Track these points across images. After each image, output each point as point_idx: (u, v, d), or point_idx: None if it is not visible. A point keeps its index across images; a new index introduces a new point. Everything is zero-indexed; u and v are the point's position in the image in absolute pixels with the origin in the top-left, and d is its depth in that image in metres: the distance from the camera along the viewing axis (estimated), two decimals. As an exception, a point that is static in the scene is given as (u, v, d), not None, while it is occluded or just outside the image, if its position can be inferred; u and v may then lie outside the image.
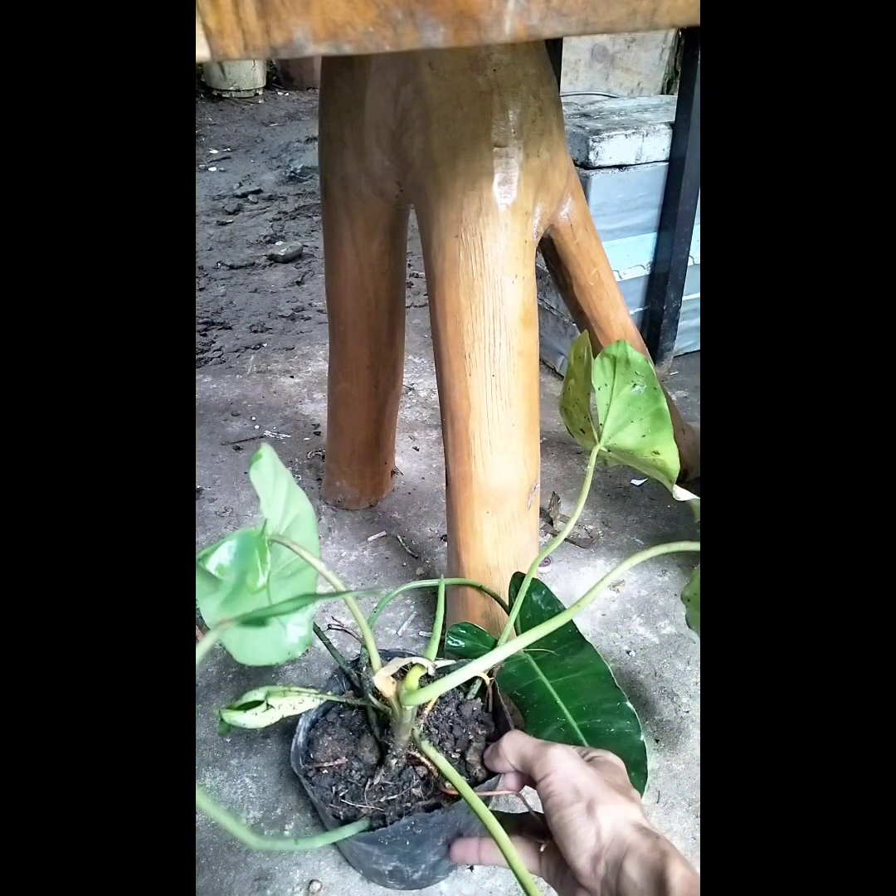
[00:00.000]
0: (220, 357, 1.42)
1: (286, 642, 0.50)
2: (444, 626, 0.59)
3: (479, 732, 0.55)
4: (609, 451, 0.61)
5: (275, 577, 0.49)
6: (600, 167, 1.12)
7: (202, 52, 0.23)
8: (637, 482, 1.06)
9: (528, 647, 0.56)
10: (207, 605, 0.45)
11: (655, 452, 0.59)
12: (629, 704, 0.55)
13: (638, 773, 0.60)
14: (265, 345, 1.46)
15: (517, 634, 0.59)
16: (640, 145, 1.12)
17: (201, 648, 0.31)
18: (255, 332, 1.52)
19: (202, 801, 0.30)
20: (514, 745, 0.44)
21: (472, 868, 0.59)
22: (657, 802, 0.65)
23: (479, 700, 0.58)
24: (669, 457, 0.59)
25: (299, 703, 0.52)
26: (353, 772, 0.52)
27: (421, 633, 0.83)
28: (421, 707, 0.52)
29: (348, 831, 0.47)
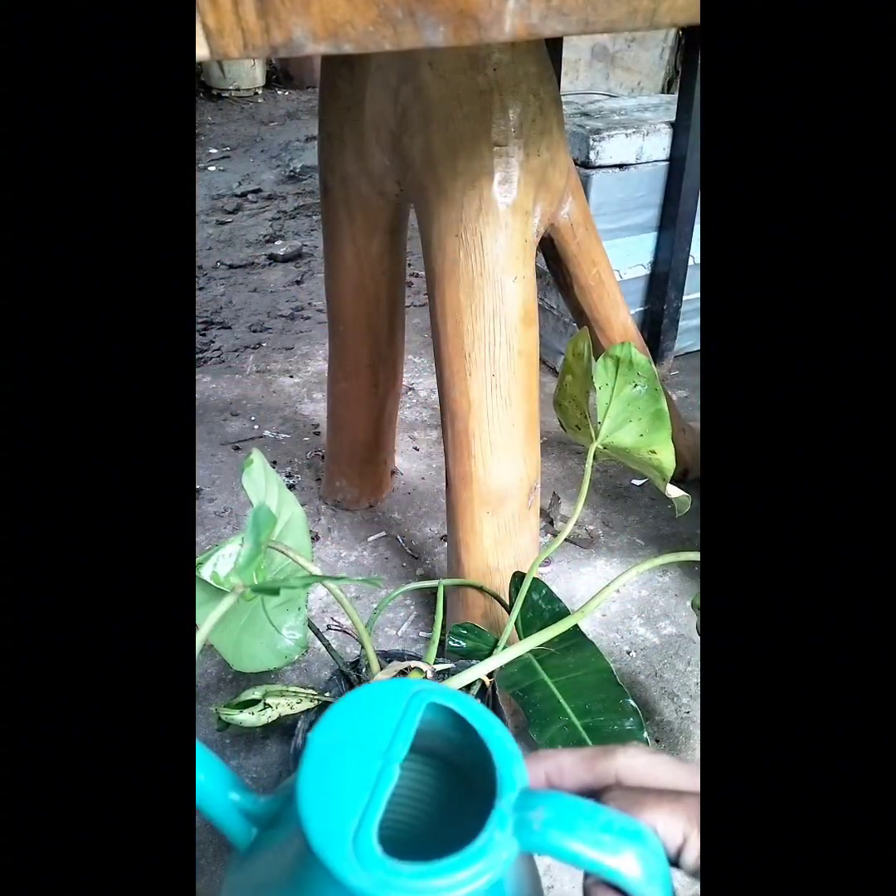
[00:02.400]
0: (219, 357, 1.42)
1: (282, 646, 0.50)
2: (443, 627, 0.59)
3: (479, 733, 0.55)
4: (605, 448, 0.61)
5: (267, 582, 0.49)
6: (601, 166, 1.11)
7: (202, 51, 0.23)
8: (637, 482, 1.06)
9: (528, 647, 0.56)
10: (202, 613, 0.44)
11: (652, 452, 0.59)
12: (631, 702, 0.55)
13: (639, 773, 0.59)
14: (264, 344, 1.46)
15: (518, 633, 0.59)
16: (641, 144, 1.12)
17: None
18: (254, 331, 1.52)
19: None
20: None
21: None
22: (657, 803, 0.65)
23: (478, 701, 0.58)
24: (666, 457, 0.59)
25: (297, 703, 0.52)
26: (353, 772, 0.52)
27: (421, 633, 0.83)
28: (421, 708, 0.52)
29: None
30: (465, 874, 0.20)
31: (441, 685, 0.24)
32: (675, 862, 0.23)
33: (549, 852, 0.21)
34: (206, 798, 0.26)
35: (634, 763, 0.24)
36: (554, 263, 0.81)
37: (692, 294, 1.28)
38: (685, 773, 0.24)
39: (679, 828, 0.22)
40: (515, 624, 0.58)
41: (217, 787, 0.27)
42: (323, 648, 0.58)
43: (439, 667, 0.51)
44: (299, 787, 0.22)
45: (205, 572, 0.43)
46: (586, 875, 0.23)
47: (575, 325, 0.94)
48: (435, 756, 0.27)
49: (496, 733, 0.24)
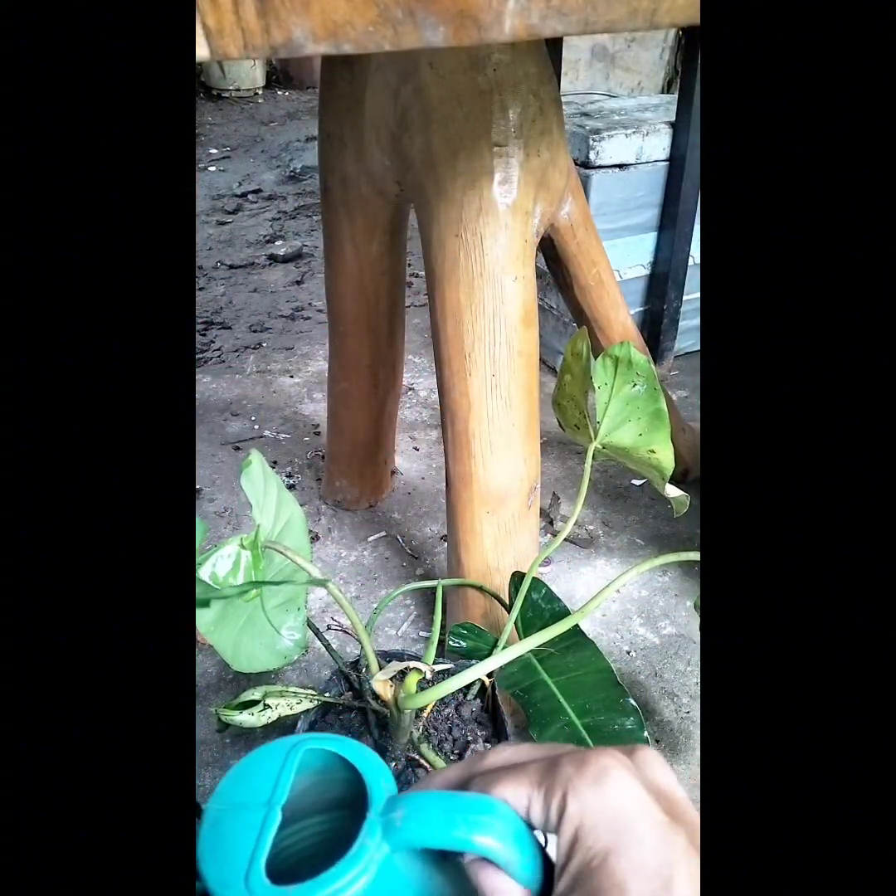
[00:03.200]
0: (219, 357, 1.42)
1: (281, 647, 0.50)
2: (443, 627, 0.59)
3: (478, 733, 0.55)
4: (604, 448, 0.61)
5: (267, 580, 0.49)
6: (600, 166, 1.11)
7: (202, 51, 0.23)
8: (637, 482, 1.06)
9: (528, 647, 0.56)
10: (201, 614, 0.44)
11: (651, 451, 0.59)
12: (632, 701, 0.55)
13: (639, 772, 0.59)
14: (265, 344, 1.46)
15: (518, 633, 0.59)
16: (641, 144, 1.12)
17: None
18: (254, 331, 1.52)
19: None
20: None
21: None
22: (657, 803, 0.65)
23: (478, 701, 0.58)
24: (664, 456, 0.59)
25: (296, 703, 0.52)
26: (353, 773, 0.52)
27: (421, 633, 0.83)
28: (420, 710, 0.52)
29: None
30: (341, 882, 0.23)
31: (316, 734, 0.28)
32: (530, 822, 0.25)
33: (415, 843, 0.24)
34: None
35: (499, 755, 0.27)
36: (554, 263, 0.81)
37: (692, 294, 1.28)
38: (537, 751, 0.27)
39: (523, 792, 0.24)
40: (515, 624, 0.58)
41: None
42: (323, 648, 0.58)
43: (439, 667, 0.51)
44: (199, 850, 0.25)
45: (204, 572, 0.43)
46: (465, 859, 0.25)
47: (575, 324, 0.94)
48: (347, 806, 0.29)
49: (365, 757, 0.27)
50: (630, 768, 0.24)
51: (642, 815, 0.23)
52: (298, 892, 0.23)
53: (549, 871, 0.25)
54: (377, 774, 0.26)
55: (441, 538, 0.97)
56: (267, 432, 1.19)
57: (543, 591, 0.61)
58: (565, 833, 0.23)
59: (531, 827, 0.25)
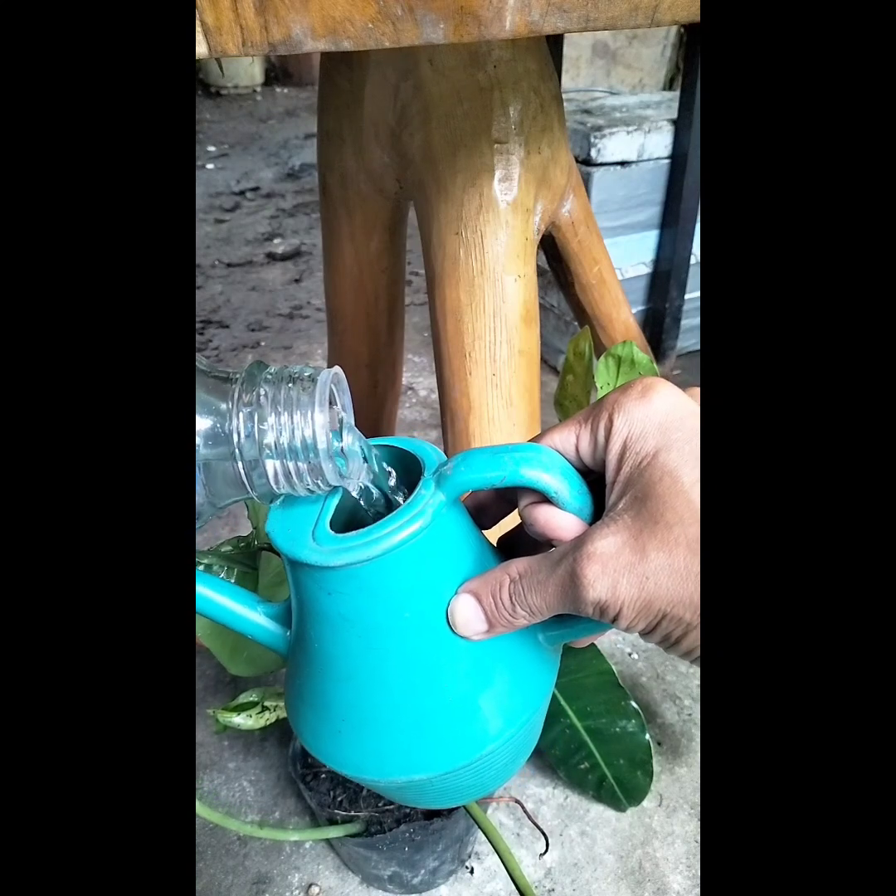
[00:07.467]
0: (217, 356, 1.41)
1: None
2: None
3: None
4: None
5: (264, 585, 0.49)
6: (602, 164, 1.11)
7: (201, 49, 0.23)
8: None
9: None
10: (198, 617, 0.44)
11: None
12: (634, 703, 0.55)
13: (643, 772, 0.59)
14: (263, 343, 1.46)
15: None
16: (643, 142, 1.11)
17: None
18: (252, 330, 1.51)
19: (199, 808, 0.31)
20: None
21: (472, 872, 0.59)
22: (660, 806, 0.64)
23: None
24: None
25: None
26: (352, 776, 0.52)
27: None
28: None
29: (338, 831, 0.47)
30: (399, 523, 0.24)
31: (373, 439, 0.29)
32: (586, 466, 0.25)
33: (467, 486, 0.25)
34: (238, 619, 0.29)
35: None
36: (555, 261, 0.81)
37: (694, 292, 1.27)
38: None
39: (570, 431, 0.24)
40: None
41: (246, 606, 0.30)
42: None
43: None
44: (269, 528, 0.26)
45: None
46: (519, 505, 0.26)
47: (576, 323, 0.94)
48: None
49: (416, 444, 0.29)
50: (678, 389, 0.23)
51: (691, 416, 0.22)
52: (361, 535, 0.24)
53: (599, 505, 0.25)
54: (430, 452, 0.28)
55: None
56: (266, 431, 1.19)
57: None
58: (613, 448, 0.23)
59: (583, 472, 0.25)
